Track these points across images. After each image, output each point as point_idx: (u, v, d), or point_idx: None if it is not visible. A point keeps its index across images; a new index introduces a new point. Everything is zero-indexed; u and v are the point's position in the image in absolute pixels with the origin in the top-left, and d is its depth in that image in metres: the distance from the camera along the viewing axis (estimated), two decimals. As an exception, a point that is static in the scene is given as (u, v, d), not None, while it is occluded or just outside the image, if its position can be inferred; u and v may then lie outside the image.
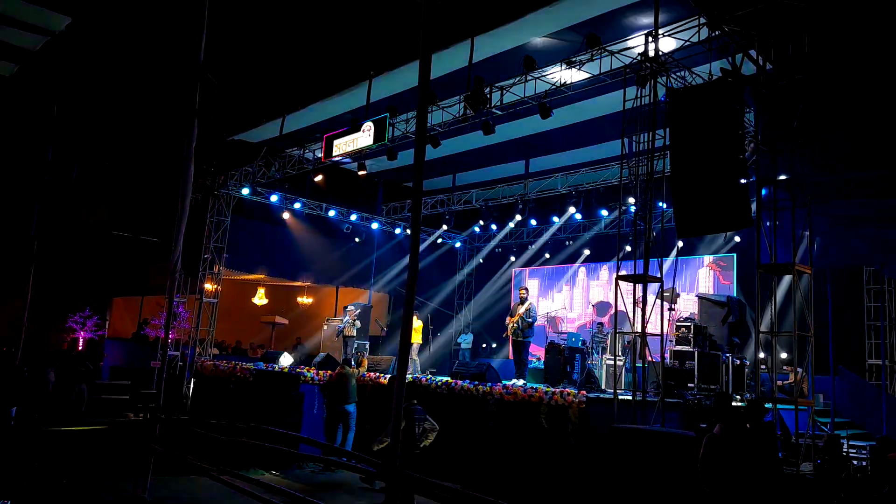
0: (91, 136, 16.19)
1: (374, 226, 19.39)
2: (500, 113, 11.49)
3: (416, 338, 14.81)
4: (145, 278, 18.59)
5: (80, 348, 18.33)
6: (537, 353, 16.05)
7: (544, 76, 10.61)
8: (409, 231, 19.61)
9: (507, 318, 12.64)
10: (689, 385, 10.29)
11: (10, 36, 11.98)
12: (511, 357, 15.41)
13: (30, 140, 14.98)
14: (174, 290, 8.45)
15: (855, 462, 8.51)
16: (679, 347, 10.98)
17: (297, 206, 17.67)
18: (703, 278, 16.59)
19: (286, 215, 17.76)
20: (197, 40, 7.97)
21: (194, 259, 15.62)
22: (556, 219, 17.53)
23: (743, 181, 7.90)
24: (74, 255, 17.77)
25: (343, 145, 13.22)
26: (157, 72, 12.93)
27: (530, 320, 12.17)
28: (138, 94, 14.21)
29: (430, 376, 11.66)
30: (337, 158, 13.71)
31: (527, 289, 12.93)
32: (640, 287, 9.01)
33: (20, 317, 12.55)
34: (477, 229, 19.95)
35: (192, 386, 15.05)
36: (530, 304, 12.41)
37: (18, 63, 13.16)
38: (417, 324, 15.21)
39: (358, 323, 15.11)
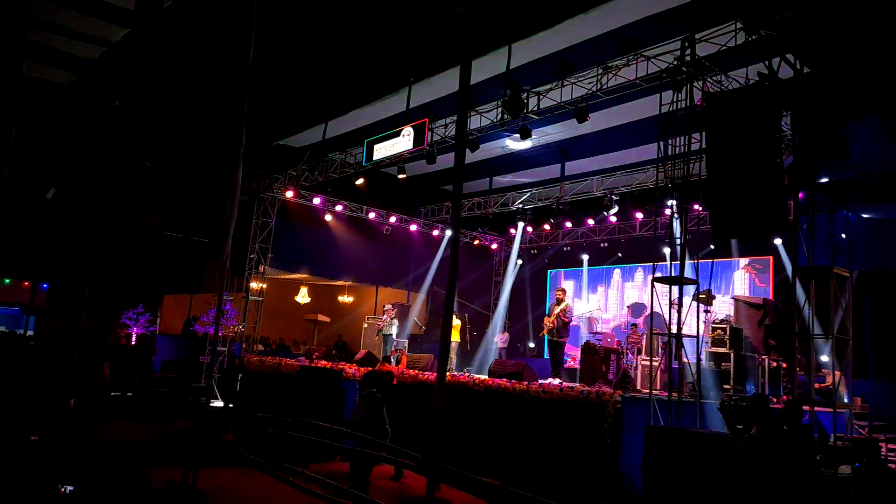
0: (145, 141, 16.62)
1: (413, 227, 19.50)
2: (536, 117, 11.49)
3: (455, 336, 14.87)
4: (195, 277, 19.01)
5: (133, 343, 18.83)
6: (573, 352, 15.96)
7: (580, 81, 10.58)
8: (447, 232, 19.68)
9: (545, 319, 12.62)
10: (725, 386, 10.14)
11: (70, 46, 12.40)
12: (547, 356, 15.36)
13: (88, 146, 15.45)
14: (223, 289, 8.65)
15: (893, 465, 8.28)
16: (715, 349, 10.84)
17: (338, 208, 17.87)
18: (738, 281, 16.30)
19: (328, 217, 17.99)
20: (245, 50, 8.15)
21: (241, 259, 15.93)
22: (591, 221, 17.41)
23: (780, 184, 7.77)
24: (129, 255, 18.25)
25: (383, 149, 13.35)
26: (207, 80, 13.21)
27: (566, 320, 12.13)
28: (189, 102, 14.54)
29: (467, 374, 11.70)
30: (377, 162, 13.86)
31: (564, 290, 12.88)
32: (675, 289, 8.92)
33: (79, 313, 12.93)
34: (513, 231, 19.92)
35: (238, 381, 15.35)
36: (567, 304, 12.37)
37: (77, 72, 13.61)
38: (456, 322, 15.27)
39: (396, 322, 15.22)
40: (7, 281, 27.65)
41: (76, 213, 16.41)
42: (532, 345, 20.15)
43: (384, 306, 16.02)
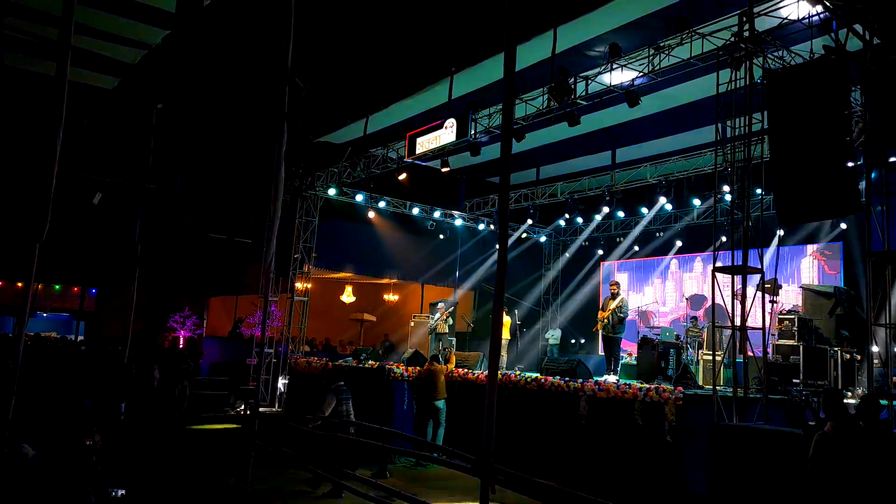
0: (187, 143, 17.05)
1: (458, 222, 19.52)
2: (584, 103, 11.35)
3: (505, 333, 14.83)
4: (240, 278, 19.43)
5: (180, 346, 19.37)
6: (629, 348, 15.76)
7: (630, 63, 10.40)
8: (492, 226, 19.64)
9: (599, 313, 12.49)
10: (795, 381, 9.88)
11: (112, 50, 12.78)
12: (602, 352, 15.20)
13: (132, 149, 15.91)
14: (269, 290, 8.82)
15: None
16: (782, 341, 10.58)
17: (381, 204, 18.02)
18: (806, 268, 15.88)
19: (371, 214, 18.14)
20: (284, 47, 8.26)
21: (285, 259, 16.20)
22: (645, 210, 17.13)
23: (850, 164, 7.50)
24: (174, 257, 18.76)
25: (426, 143, 13.38)
26: (247, 79, 13.48)
27: (622, 315, 11.98)
28: (230, 102, 14.85)
29: (518, 372, 11.66)
30: (420, 156, 13.90)
31: (618, 283, 12.72)
32: (738, 279, 8.71)
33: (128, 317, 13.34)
34: (562, 223, 19.76)
35: (286, 382, 15.63)
36: (622, 298, 12.22)
37: (119, 76, 14.02)
38: (505, 319, 15.24)
39: (451, 320, 15.27)
40: (57, 287, 28.78)
41: (122, 218, 16.93)
42: (584, 340, 19.97)
43: (432, 303, 16.07)
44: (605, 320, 12.14)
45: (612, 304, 12.08)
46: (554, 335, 18.19)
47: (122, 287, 16.98)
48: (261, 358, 8.51)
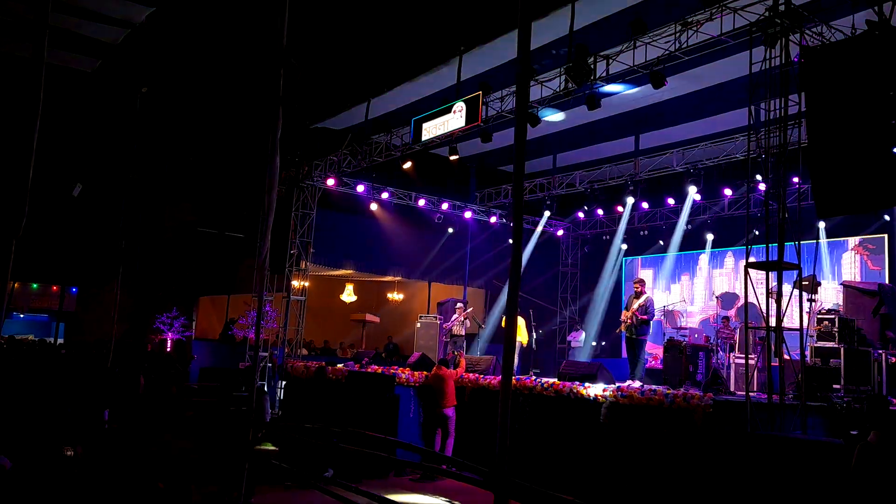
0: (174, 130, 17.12)
1: (468, 214, 19.52)
2: (605, 84, 11.33)
3: (520, 335, 14.86)
4: (232, 276, 19.51)
5: (168, 349, 19.48)
6: (654, 350, 15.73)
7: (656, 41, 10.37)
8: (504, 220, 19.64)
9: (622, 313, 12.49)
10: (835, 386, 9.86)
11: (92, 30, 12.84)
12: (624, 356, 15.18)
13: (115, 137, 16.00)
14: (263, 288, 8.86)
15: None
16: (821, 343, 10.56)
17: (384, 196, 18.02)
18: (847, 264, 15.83)
19: (374, 206, 18.15)
20: (279, 24, 8.28)
21: (281, 255, 16.23)
22: (671, 200, 17.09)
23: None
24: (161, 254, 18.86)
25: (433, 128, 13.39)
26: (238, 60, 13.51)
27: (647, 316, 11.97)
28: (221, 85, 14.89)
29: (534, 377, 11.67)
30: (426, 143, 13.91)
31: (643, 280, 12.70)
32: (773, 275, 8.68)
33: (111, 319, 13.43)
34: (581, 215, 19.72)
35: (282, 388, 15.70)
36: (647, 297, 12.20)
37: (100, 58, 14.09)
38: (519, 321, 15.27)
39: (468, 322, 15.33)
40: (35, 286, 28.96)
41: (104, 211, 17.02)
42: (604, 342, 19.95)
43: (457, 304, 16.07)
44: (629, 321, 12.12)
45: (637, 304, 12.07)
46: (576, 338, 18.21)
47: (104, 286, 17.10)
48: (255, 362, 8.55)
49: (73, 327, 23.92)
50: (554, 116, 13.73)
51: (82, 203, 16.70)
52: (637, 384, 10.79)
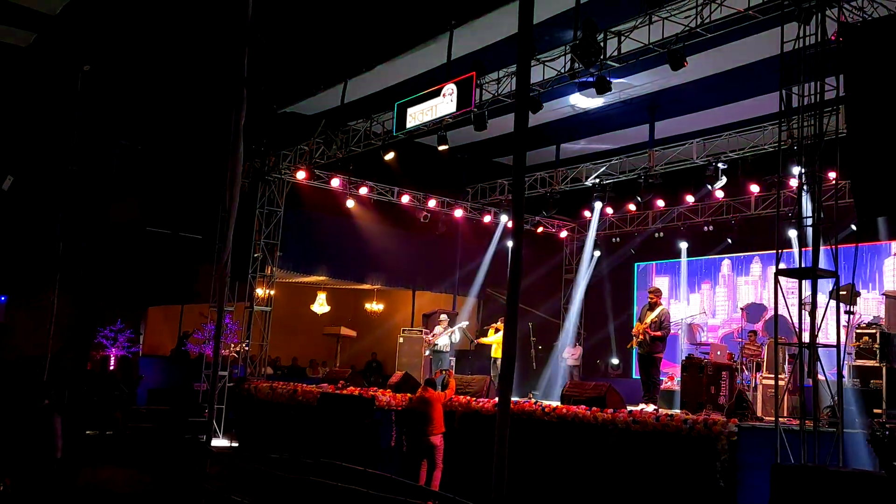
0: (120, 115, 17.02)
1: (458, 213, 19.54)
2: (616, 65, 11.38)
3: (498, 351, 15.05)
4: (187, 284, 19.38)
5: (111, 368, 19.32)
6: (670, 370, 15.78)
7: (674, 15, 10.42)
8: (502, 218, 19.67)
9: (635, 327, 12.54)
10: (876, 411, 9.92)
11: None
12: (637, 375, 15.24)
13: (52, 122, 15.89)
14: (224, 297, 8.82)
15: None
16: (861, 362, 10.65)
17: (363, 191, 18.01)
18: (889, 271, 15.96)
19: (350, 203, 18.14)
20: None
21: (243, 259, 16.18)
22: (690, 198, 17.15)
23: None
24: (104, 257, 18.71)
25: (419, 114, 13.41)
26: (196, 35, 13.45)
27: (661, 332, 12.00)
28: (175, 64, 14.81)
29: (534, 400, 11.69)
30: (412, 131, 13.92)
31: (658, 290, 12.75)
32: (806, 284, 8.73)
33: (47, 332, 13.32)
34: (588, 214, 19.77)
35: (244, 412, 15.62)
36: (663, 310, 12.24)
37: (36, 31, 14.01)
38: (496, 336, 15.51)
39: (457, 335, 15.36)
40: (-43, 294, 28.68)
41: (39, 208, 16.89)
42: (616, 361, 20.01)
43: (439, 315, 16.09)
44: (642, 336, 12.16)
45: (651, 317, 12.10)
46: (572, 354, 18.29)
47: (39, 294, 16.93)
48: (213, 382, 8.51)
49: (1, 342, 23.71)
50: (588, 101, 13.75)
51: (13, 198, 16.56)
52: (651, 408, 10.83)
